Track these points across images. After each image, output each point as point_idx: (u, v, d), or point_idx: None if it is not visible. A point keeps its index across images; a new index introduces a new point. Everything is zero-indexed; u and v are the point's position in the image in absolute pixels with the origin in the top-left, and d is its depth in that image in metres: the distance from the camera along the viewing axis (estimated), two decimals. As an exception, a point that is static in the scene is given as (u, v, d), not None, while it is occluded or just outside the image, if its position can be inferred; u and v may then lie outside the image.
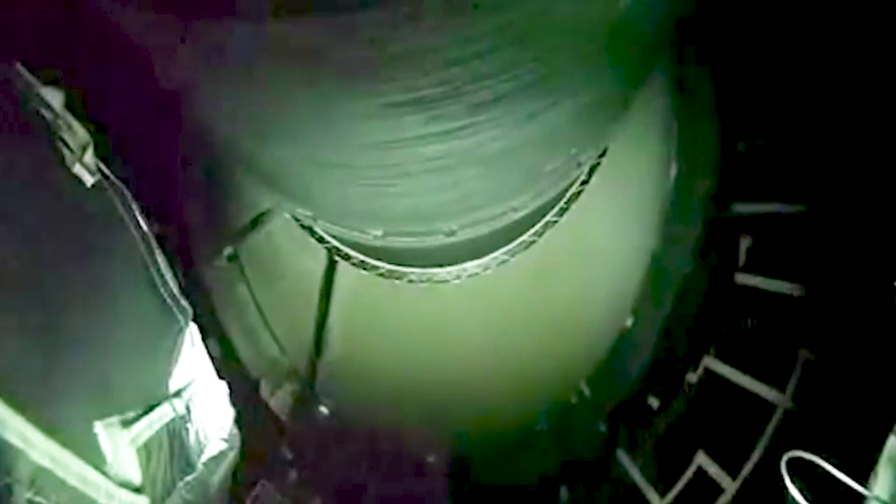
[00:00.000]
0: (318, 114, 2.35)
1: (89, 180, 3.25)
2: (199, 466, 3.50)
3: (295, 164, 3.25)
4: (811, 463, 3.36)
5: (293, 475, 6.39)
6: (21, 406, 2.26)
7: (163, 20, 1.89)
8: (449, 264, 5.93)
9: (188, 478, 3.32)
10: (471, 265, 5.94)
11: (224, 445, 3.86)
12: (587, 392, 7.01)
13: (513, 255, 5.88)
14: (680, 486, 5.18)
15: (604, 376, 6.91)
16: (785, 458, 3.52)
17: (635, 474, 5.84)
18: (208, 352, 4.94)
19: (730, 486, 4.67)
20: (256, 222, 6.38)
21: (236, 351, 6.56)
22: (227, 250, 6.45)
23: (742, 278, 5.43)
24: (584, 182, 5.04)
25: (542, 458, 7.14)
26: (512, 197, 3.84)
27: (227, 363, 6.16)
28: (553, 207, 5.09)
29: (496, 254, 5.76)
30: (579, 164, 4.01)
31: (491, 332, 7.02)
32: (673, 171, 6.43)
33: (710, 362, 5.49)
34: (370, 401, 7.12)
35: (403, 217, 3.83)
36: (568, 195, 5.05)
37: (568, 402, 7.12)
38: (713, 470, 4.85)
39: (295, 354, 7.05)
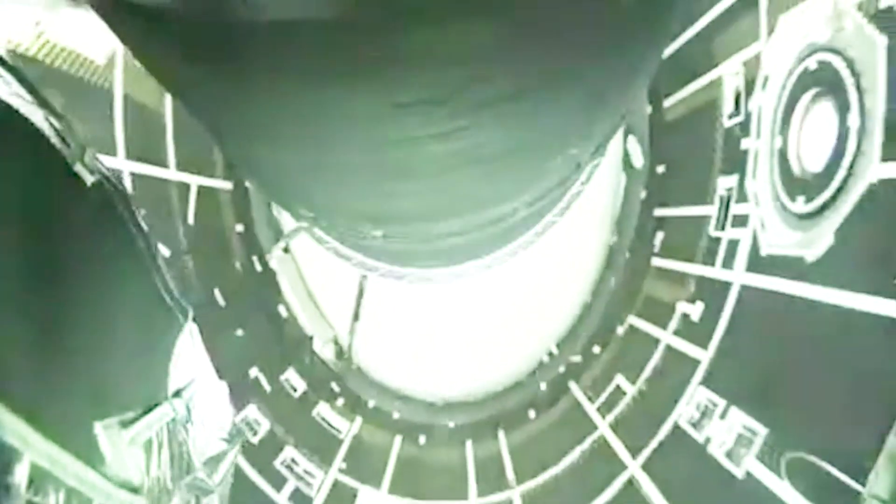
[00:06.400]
0: (318, 115, 2.33)
1: (89, 180, 3.23)
2: (199, 466, 3.48)
3: (295, 164, 3.22)
4: (811, 463, 3.34)
5: (340, 398, 9.43)
6: (19, 406, 2.23)
7: (162, 20, 1.87)
8: (450, 264, 5.91)
9: (188, 478, 3.30)
10: (472, 265, 5.92)
11: (224, 445, 3.84)
12: (555, 351, 9.62)
13: (513, 255, 5.86)
14: (603, 397, 7.84)
15: (567, 339, 9.44)
16: (785, 458, 3.51)
17: (580, 396, 8.51)
18: (279, 315, 8.84)
19: (630, 389, 7.30)
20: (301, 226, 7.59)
21: (296, 316, 9.23)
22: (282, 244, 8.65)
23: (657, 261, 7.60)
24: (584, 183, 5.03)
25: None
26: (512, 198, 3.83)
27: (289, 324, 9.06)
28: (553, 207, 5.08)
29: (497, 254, 5.74)
30: (579, 165, 3.99)
31: (491, 331, 8.96)
32: (623, 183, 8.50)
33: (634, 320, 7.86)
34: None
35: (403, 217, 3.81)
36: (568, 195, 5.03)
37: (541, 362, 9.75)
38: (629, 388, 7.32)
39: (336, 321, 9.56)
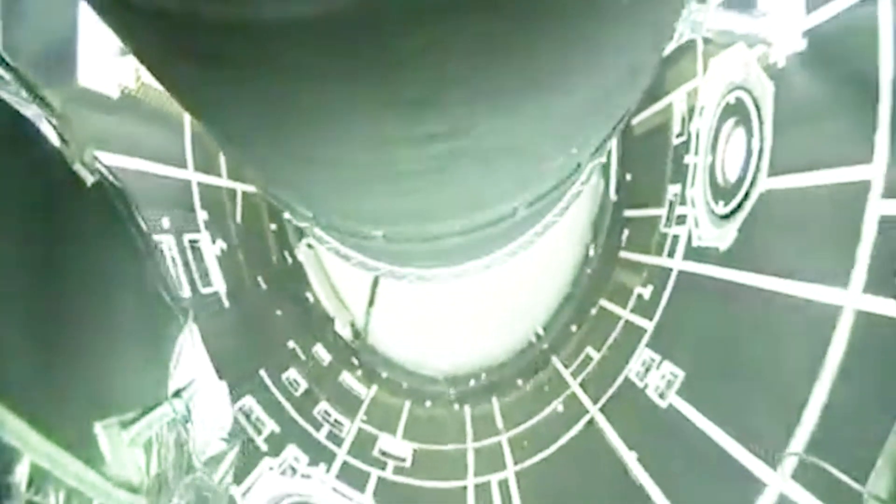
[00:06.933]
0: (317, 115, 2.22)
1: (89, 180, 3.22)
2: (199, 466, 3.47)
3: (295, 164, 3.11)
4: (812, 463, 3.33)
5: (359, 370, 10.90)
6: (19, 406, 2.19)
7: (160, 18, 1.84)
8: (449, 264, 5.91)
9: (188, 478, 3.27)
10: (471, 265, 5.92)
11: (224, 445, 3.82)
12: (541, 333, 11.04)
13: (513, 255, 5.87)
14: (576, 364, 9.39)
15: (551, 323, 10.93)
16: (785, 457, 3.53)
17: (559, 365, 10.08)
18: (307, 300, 10.64)
19: (596, 356, 9.03)
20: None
21: (320, 301, 10.76)
22: (305, 241, 9.89)
23: (623, 254, 9.10)
24: (584, 182, 5.03)
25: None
26: (512, 197, 3.63)
27: (316, 308, 10.70)
28: (553, 207, 5.07)
29: (497, 254, 5.74)
30: (579, 165, 3.96)
31: (486, 320, 10.52)
32: (601, 187, 9.49)
33: (604, 303, 9.31)
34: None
35: (403, 217, 3.62)
36: (568, 195, 5.03)
37: (530, 342, 11.22)
38: (595, 355, 8.92)
39: (353, 306, 11.25)
